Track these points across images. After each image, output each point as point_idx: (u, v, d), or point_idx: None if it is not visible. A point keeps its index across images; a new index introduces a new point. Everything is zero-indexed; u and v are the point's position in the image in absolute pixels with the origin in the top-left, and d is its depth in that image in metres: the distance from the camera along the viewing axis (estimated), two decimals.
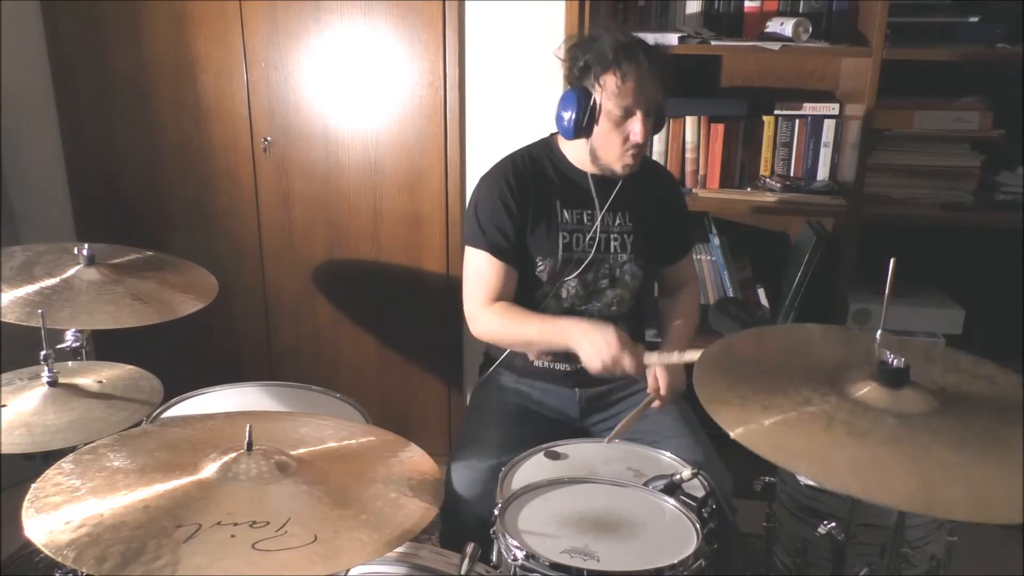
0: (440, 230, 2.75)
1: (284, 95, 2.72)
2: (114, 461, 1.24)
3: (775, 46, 2.30)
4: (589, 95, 1.79)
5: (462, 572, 1.25)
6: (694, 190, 2.51)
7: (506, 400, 1.96)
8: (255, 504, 1.13)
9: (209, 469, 1.20)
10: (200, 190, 2.86)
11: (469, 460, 1.76)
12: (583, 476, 1.61)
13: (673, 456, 1.72)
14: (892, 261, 1.40)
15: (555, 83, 2.33)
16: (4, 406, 1.57)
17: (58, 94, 2.85)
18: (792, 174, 2.53)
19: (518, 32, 2.55)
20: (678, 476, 1.53)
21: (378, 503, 1.19)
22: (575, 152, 1.91)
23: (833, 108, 2.46)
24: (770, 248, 2.70)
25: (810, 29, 2.31)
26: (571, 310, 1.93)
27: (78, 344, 1.88)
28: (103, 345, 2.49)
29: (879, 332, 1.42)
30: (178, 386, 1.91)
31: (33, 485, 1.18)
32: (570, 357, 1.94)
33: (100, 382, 1.69)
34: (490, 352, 2.08)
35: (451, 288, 2.78)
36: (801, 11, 2.40)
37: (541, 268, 1.90)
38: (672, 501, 1.52)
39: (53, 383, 1.62)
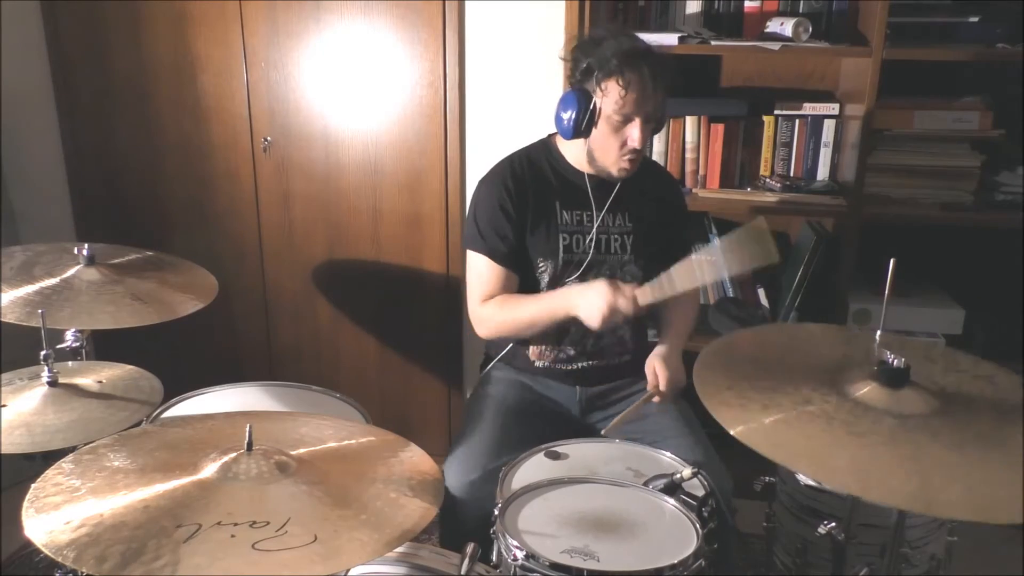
0: (440, 230, 2.75)
1: (284, 95, 2.72)
2: (114, 461, 1.24)
3: (775, 46, 2.30)
4: (589, 97, 1.79)
5: (462, 572, 1.25)
6: (694, 190, 2.51)
7: (506, 397, 1.96)
8: (255, 504, 1.13)
9: (209, 469, 1.20)
10: (200, 190, 2.87)
11: (466, 460, 1.76)
12: (583, 476, 1.61)
13: (673, 456, 1.72)
14: (892, 261, 1.40)
15: (555, 83, 2.34)
16: (4, 406, 1.57)
17: (58, 94, 2.85)
18: (792, 174, 2.53)
19: (518, 32, 2.55)
20: (678, 475, 1.54)
21: (378, 503, 1.19)
22: (574, 153, 1.91)
23: (833, 108, 2.46)
24: None
25: (810, 29, 2.31)
26: None
27: (78, 344, 1.88)
28: (103, 345, 2.49)
29: (879, 332, 1.42)
30: (178, 386, 1.91)
31: (33, 485, 1.18)
32: (570, 356, 1.95)
33: (100, 382, 1.69)
34: (490, 352, 2.08)
35: (451, 288, 2.78)
36: (801, 11, 2.40)
37: (542, 269, 1.90)
38: (672, 501, 1.52)
39: (53, 383, 1.62)
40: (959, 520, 1.71)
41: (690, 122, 2.48)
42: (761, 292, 2.56)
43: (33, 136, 2.89)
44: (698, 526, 1.45)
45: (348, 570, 1.33)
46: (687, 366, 1.78)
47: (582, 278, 1.90)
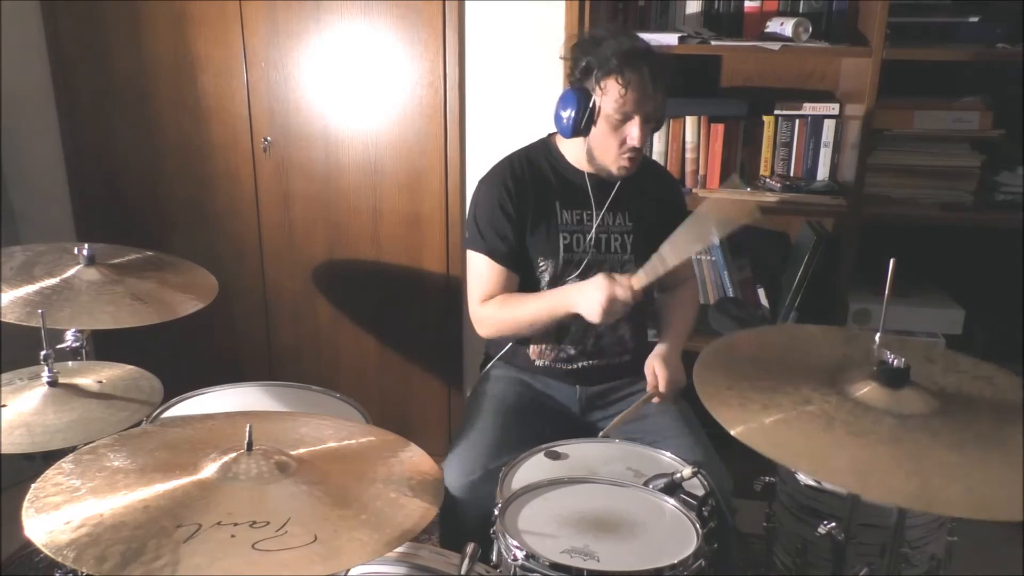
0: (440, 230, 2.75)
1: (284, 95, 2.72)
2: (114, 461, 1.24)
3: (775, 46, 2.30)
4: (589, 96, 1.79)
5: (462, 572, 1.25)
6: (694, 190, 2.51)
7: (506, 395, 1.96)
8: (255, 504, 1.13)
9: (209, 469, 1.20)
10: (200, 190, 2.87)
11: (466, 460, 1.76)
12: (583, 476, 1.61)
13: (673, 456, 1.72)
14: (892, 261, 1.40)
15: (555, 83, 2.33)
16: (4, 406, 1.57)
17: (58, 94, 2.85)
18: (792, 174, 2.53)
19: (518, 32, 2.55)
20: (679, 475, 1.53)
21: (378, 503, 1.19)
22: (573, 152, 1.91)
23: (833, 108, 2.46)
24: (770, 248, 2.70)
25: (810, 29, 2.31)
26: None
27: (78, 344, 1.88)
28: (103, 345, 2.49)
29: (879, 333, 1.42)
30: (178, 386, 1.91)
31: (33, 485, 1.18)
32: (571, 355, 1.95)
33: (100, 382, 1.69)
34: (490, 351, 2.08)
35: (451, 288, 2.78)
36: (801, 11, 2.40)
37: (543, 269, 1.90)
38: (672, 501, 1.52)
39: (53, 383, 1.62)
40: (959, 519, 1.72)
41: (690, 122, 2.48)
42: (761, 292, 2.56)
43: (33, 136, 2.89)
44: (698, 526, 1.45)
45: (348, 570, 1.33)
46: (687, 366, 1.78)
47: (582, 277, 1.90)
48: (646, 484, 1.58)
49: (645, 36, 1.87)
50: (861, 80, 2.32)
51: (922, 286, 2.58)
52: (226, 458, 1.21)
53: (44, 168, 2.92)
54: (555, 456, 1.72)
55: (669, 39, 2.31)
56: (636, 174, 1.93)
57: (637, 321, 2.04)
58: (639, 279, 1.74)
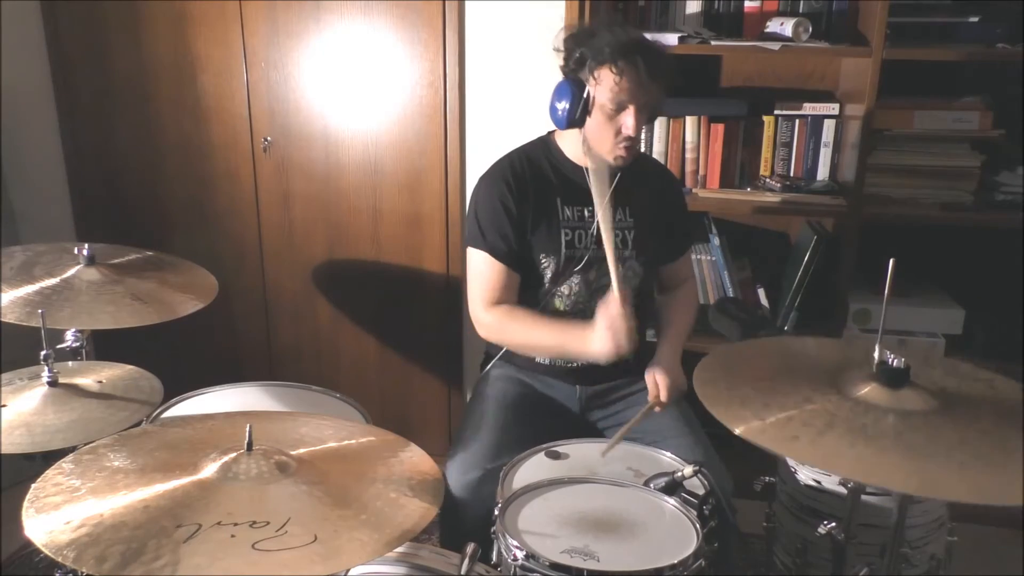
0: (440, 230, 2.75)
1: (284, 95, 2.72)
2: (114, 461, 1.24)
3: (775, 46, 2.30)
4: (583, 87, 1.79)
5: (462, 572, 1.25)
6: (694, 190, 2.51)
7: (506, 395, 1.96)
8: (255, 504, 1.13)
9: (209, 469, 1.20)
10: (200, 190, 2.87)
11: (466, 460, 1.76)
12: (583, 476, 1.61)
13: (673, 456, 1.72)
14: (892, 261, 1.40)
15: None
16: (4, 406, 1.57)
17: (58, 94, 2.85)
18: (792, 174, 2.53)
19: (518, 32, 2.55)
20: (679, 474, 1.53)
21: (378, 503, 1.19)
22: (572, 146, 1.91)
23: (833, 108, 2.46)
24: (770, 248, 2.70)
25: (810, 29, 2.31)
26: (573, 309, 1.93)
27: (78, 344, 1.88)
28: (103, 345, 2.49)
29: (878, 336, 1.42)
30: (178, 386, 1.91)
31: (33, 485, 1.18)
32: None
33: (100, 382, 1.69)
34: (491, 351, 2.08)
35: (451, 288, 2.78)
36: (801, 11, 2.40)
37: (545, 266, 1.90)
38: (672, 501, 1.52)
39: (53, 383, 1.62)
40: (959, 519, 1.72)
41: (690, 122, 2.48)
42: (761, 292, 2.56)
43: (33, 136, 2.89)
44: (698, 526, 1.45)
45: (348, 570, 1.33)
46: (687, 367, 1.78)
47: (584, 273, 1.90)
48: (647, 483, 1.58)
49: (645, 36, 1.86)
50: (861, 80, 2.32)
51: (922, 286, 2.58)
52: (226, 458, 1.21)
53: (44, 168, 2.92)
54: (555, 456, 1.72)
55: (669, 39, 2.31)
56: (637, 171, 1.92)
57: (638, 322, 2.03)
58: (613, 284, 1.74)
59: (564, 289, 1.92)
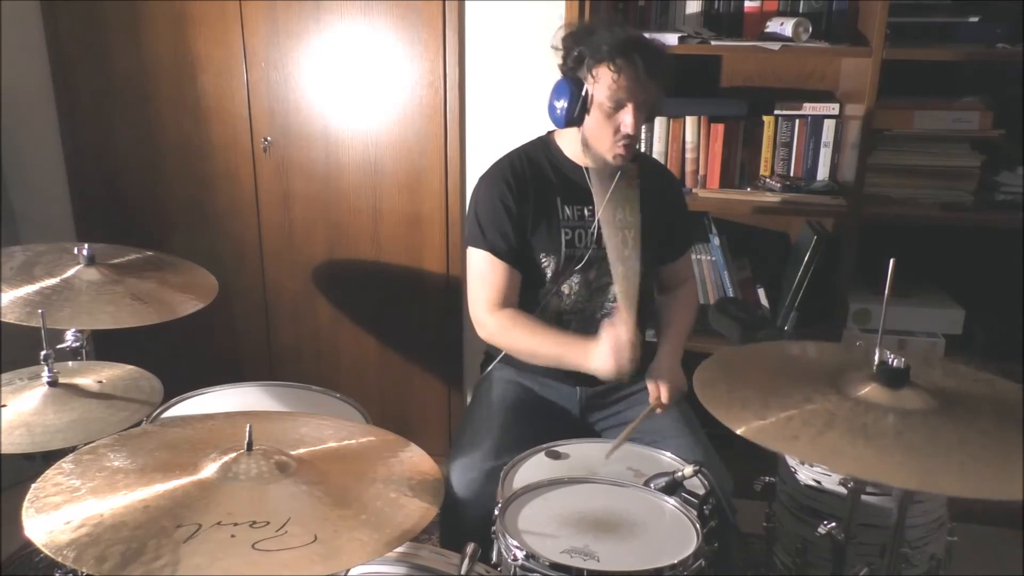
0: (440, 230, 2.75)
1: (284, 95, 2.72)
2: (114, 461, 1.24)
3: (775, 46, 2.30)
4: (581, 85, 1.79)
5: (462, 572, 1.25)
6: (694, 190, 2.51)
7: (506, 396, 1.96)
8: (255, 504, 1.13)
9: (209, 469, 1.20)
10: (200, 190, 2.87)
11: (467, 460, 1.76)
12: (583, 476, 1.61)
13: (673, 456, 1.72)
14: (892, 261, 1.40)
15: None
16: (4, 406, 1.57)
17: (58, 94, 2.85)
18: (792, 174, 2.53)
19: (518, 32, 2.55)
20: (680, 473, 1.53)
21: (378, 503, 1.19)
22: (572, 146, 1.91)
23: (833, 108, 2.46)
24: (770, 248, 2.70)
25: (810, 29, 2.31)
26: (573, 309, 1.93)
27: (78, 344, 1.88)
28: (103, 345, 2.49)
29: (879, 334, 1.43)
30: (178, 386, 1.91)
31: (33, 485, 1.18)
32: None
33: (100, 382, 1.69)
34: (491, 351, 2.08)
35: (451, 288, 2.78)
36: (801, 11, 2.40)
37: (545, 265, 1.90)
38: (672, 501, 1.52)
39: (53, 383, 1.62)
40: (959, 520, 1.72)
41: (690, 122, 2.48)
42: (761, 292, 2.56)
43: (33, 136, 2.89)
44: (698, 526, 1.45)
45: (348, 570, 1.33)
46: (687, 368, 1.78)
47: (584, 273, 1.90)
48: (647, 483, 1.58)
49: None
50: (861, 80, 2.32)
51: (922, 286, 2.58)
52: (226, 458, 1.21)
53: (44, 168, 2.92)
54: (556, 456, 1.72)
55: (669, 39, 2.31)
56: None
57: (638, 321, 2.03)
58: (621, 307, 1.74)
59: (564, 288, 1.92)
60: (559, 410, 1.98)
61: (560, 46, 1.85)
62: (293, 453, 1.26)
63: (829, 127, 2.47)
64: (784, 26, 2.33)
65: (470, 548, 1.27)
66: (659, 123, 2.48)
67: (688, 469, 1.53)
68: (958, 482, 1.14)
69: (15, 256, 2.00)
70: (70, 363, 1.79)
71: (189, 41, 2.72)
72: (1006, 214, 2.36)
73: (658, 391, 1.81)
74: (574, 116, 1.81)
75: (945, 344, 2.46)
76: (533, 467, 1.68)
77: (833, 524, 1.44)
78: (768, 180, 2.52)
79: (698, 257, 2.50)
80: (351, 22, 2.62)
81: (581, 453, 1.74)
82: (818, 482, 1.66)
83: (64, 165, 2.92)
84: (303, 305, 2.92)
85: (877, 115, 2.31)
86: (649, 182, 1.99)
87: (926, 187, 2.43)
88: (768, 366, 1.48)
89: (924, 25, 2.41)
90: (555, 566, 1.34)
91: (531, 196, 1.89)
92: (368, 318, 2.90)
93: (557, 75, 1.87)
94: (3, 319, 1.75)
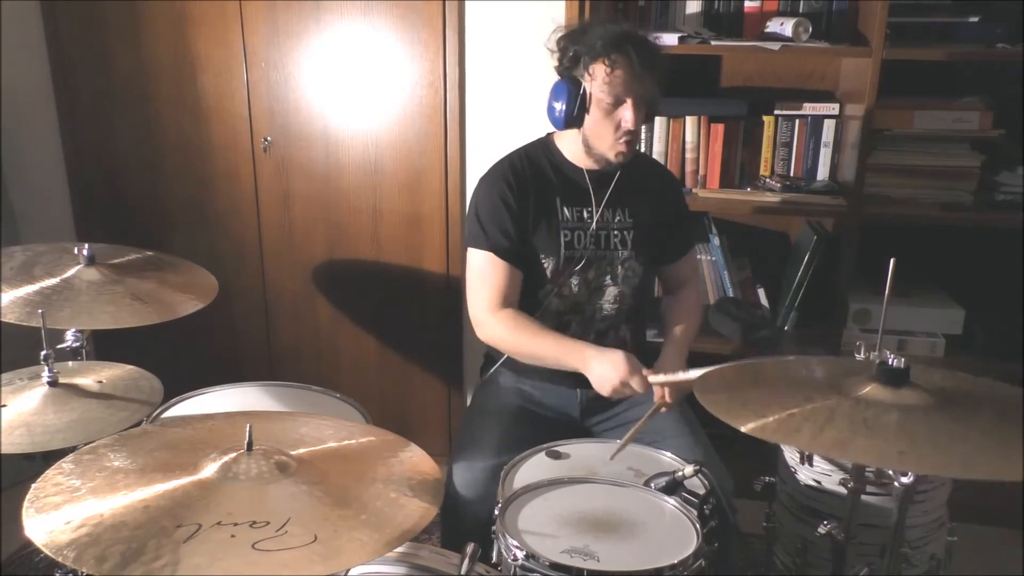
0: (440, 230, 2.75)
1: (284, 95, 2.72)
2: (114, 461, 1.24)
3: (775, 46, 2.30)
4: (579, 85, 1.79)
5: (462, 572, 1.25)
6: (694, 190, 2.51)
7: (507, 400, 1.97)
8: (255, 504, 1.13)
9: (209, 469, 1.19)
10: (200, 190, 2.87)
11: (469, 460, 1.76)
12: (583, 476, 1.61)
13: (673, 456, 1.72)
14: (892, 261, 1.40)
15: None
16: (4, 406, 1.57)
17: (58, 94, 2.85)
18: (792, 174, 2.53)
19: (518, 32, 2.55)
20: (680, 473, 1.53)
21: (378, 503, 1.19)
22: (571, 147, 1.91)
23: (833, 108, 2.46)
24: (770, 248, 2.70)
25: (810, 29, 2.31)
26: (573, 309, 1.93)
27: (78, 344, 1.88)
28: (103, 345, 2.49)
29: (879, 334, 1.43)
30: (178, 386, 1.91)
31: (33, 485, 1.17)
32: None
33: (100, 382, 1.68)
34: (491, 352, 2.08)
35: (451, 288, 2.78)
36: (801, 11, 2.40)
37: (545, 266, 1.90)
38: (672, 501, 1.52)
39: (53, 383, 1.62)
40: (959, 520, 1.72)
41: (690, 122, 2.49)
42: (761, 292, 2.56)
43: (33, 136, 2.89)
44: (698, 526, 1.45)
45: (348, 570, 1.33)
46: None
47: (583, 273, 1.90)
48: (647, 483, 1.57)
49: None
50: (861, 80, 2.32)
51: (922, 286, 2.58)
52: (226, 458, 1.21)
53: (44, 168, 2.92)
54: (556, 456, 1.72)
55: (669, 39, 2.32)
56: (637, 171, 1.92)
57: (637, 322, 2.04)
58: (657, 378, 1.72)
59: (564, 290, 1.92)
60: (559, 413, 1.98)
61: (555, 47, 1.85)
62: (293, 453, 1.26)
63: (829, 127, 2.47)
64: (784, 26, 2.33)
65: (470, 548, 1.27)
66: (659, 123, 2.48)
67: (688, 469, 1.53)
68: (961, 465, 1.15)
69: (15, 256, 2.00)
70: (70, 363, 1.79)
71: (189, 41, 2.72)
72: (1006, 214, 2.36)
73: (663, 391, 1.81)
74: (574, 116, 1.81)
75: (945, 344, 2.46)
76: (533, 467, 1.68)
77: (833, 524, 1.44)
78: (768, 180, 2.52)
79: (698, 257, 2.50)
80: (351, 22, 2.62)
81: (581, 453, 1.74)
82: (818, 482, 1.66)
83: (64, 165, 2.92)
84: (303, 305, 2.92)
85: (877, 115, 2.31)
86: (649, 182, 1.99)
87: (926, 187, 2.43)
88: (767, 375, 1.48)
89: (924, 25, 2.42)
90: (555, 566, 1.34)
91: (531, 196, 1.90)
92: (368, 318, 2.90)
93: (557, 75, 1.87)
94: (3, 319, 1.75)
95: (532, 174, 1.91)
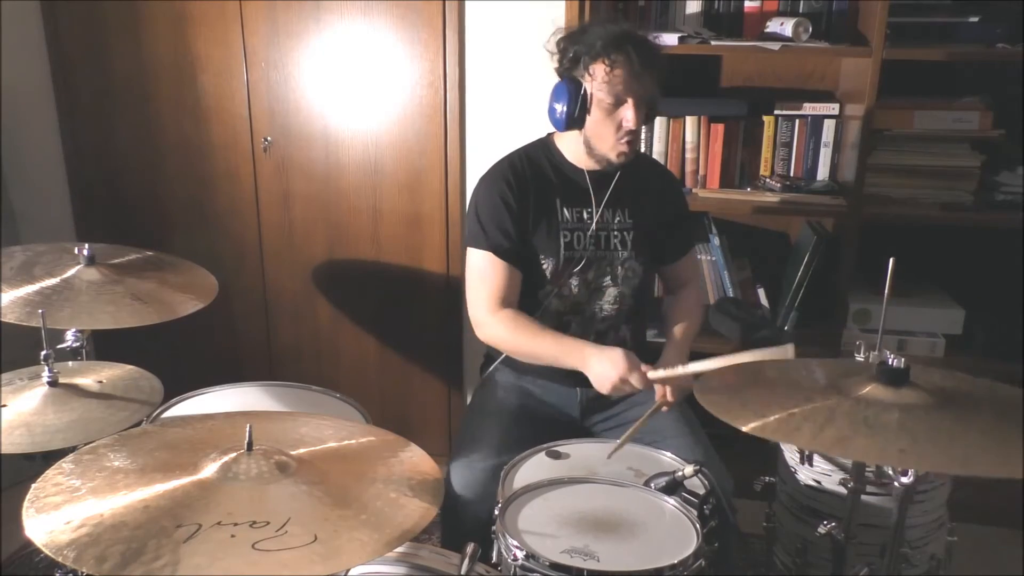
0: (440, 230, 2.75)
1: (284, 95, 2.72)
2: (114, 461, 1.24)
3: (775, 46, 2.30)
4: (580, 85, 1.79)
5: (462, 572, 1.25)
6: (694, 190, 2.51)
7: (507, 399, 1.96)
8: (255, 504, 1.13)
9: (209, 469, 1.19)
10: (200, 190, 2.87)
11: (469, 460, 1.76)
12: (583, 476, 1.61)
13: (673, 456, 1.72)
14: (892, 261, 1.40)
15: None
16: (4, 406, 1.57)
17: (58, 94, 2.85)
18: (792, 174, 2.53)
19: (518, 32, 2.55)
20: (680, 473, 1.53)
21: (378, 503, 1.19)
22: (572, 148, 1.91)
23: (833, 108, 2.46)
24: (770, 248, 2.70)
25: (810, 29, 2.31)
26: (573, 309, 1.93)
27: (78, 344, 1.88)
28: (103, 345, 2.49)
29: (879, 334, 1.43)
30: (178, 386, 1.91)
31: (33, 485, 1.17)
32: None
33: (100, 382, 1.68)
34: (491, 352, 2.08)
35: (451, 288, 2.78)
36: (801, 11, 2.40)
37: (545, 266, 1.90)
38: (672, 501, 1.52)
39: (53, 383, 1.62)
40: (959, 520, 1.72)
41: (690, 122, 2.49)
42: (761, 292, 2.56)
43: (33, 136, 2.89)
44: (698, 526, 1.45)
45: (348, 570, 1.33)
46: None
47: (582, 274, 1.90)
48: (647, 483, 1.57)
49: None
50: (861, 80, 2.32)
51: (922, 286, 2.58)
52: (226, 458, 1.21)
53: (44, 168, 2.92)
54: (556, 456, 1.72)
55: (669, 39, 2.32)
56: (637, 172, 1.92)
57: (637, 321, 2.04)
58: (657, 374, 1.72)
59: (564, 290, 1.92)
60: (559, 413, 1.98)
61: (555, 49, 1.85)
62: (293, 453, 1.26)
63: (829, 127, 2.47)
64: (784, 26, 2.33)
65: (470, 548, 1.27)
66: (659, 123, 2.48)
67: (688, 469, 1.53)
68: (962, 462, 1.15)
69: (15, 256, 2.00)
70: (70, 363, 1.79)
71: (189, 41, 2.72)
72: (1006, 214, 2.36)
73: (664, 389, 1.81)
74: (575, 117, 1.81)
75: (945, 344, 2.46)
76: (533, 467, 1.68)
77: (833, 524, 1.44)
78: (768, 180, 2.52)
79: (698, 257, 2.50)
80: (351, 22, 2.62)
81: (581, 453, 1.74)
82: (818, 482, 1.67)
83: (64, 165, 2.92)
84: (303, 305, 2.92)
85: (877, 115, 2.31)
86: (649, 182, 1.99)
87: (926, 187, 2.43)
88: (768, 375, 1.48)
89: (924, 25, 2.42)
90: (555, 566, 1.34)
91: (531, 196, 1.90)
92: (368, 318, 2.90)
93: (557, 76, 1.87)
94: (3, 319, 1.75)
95: (532, 174, 1.92)
